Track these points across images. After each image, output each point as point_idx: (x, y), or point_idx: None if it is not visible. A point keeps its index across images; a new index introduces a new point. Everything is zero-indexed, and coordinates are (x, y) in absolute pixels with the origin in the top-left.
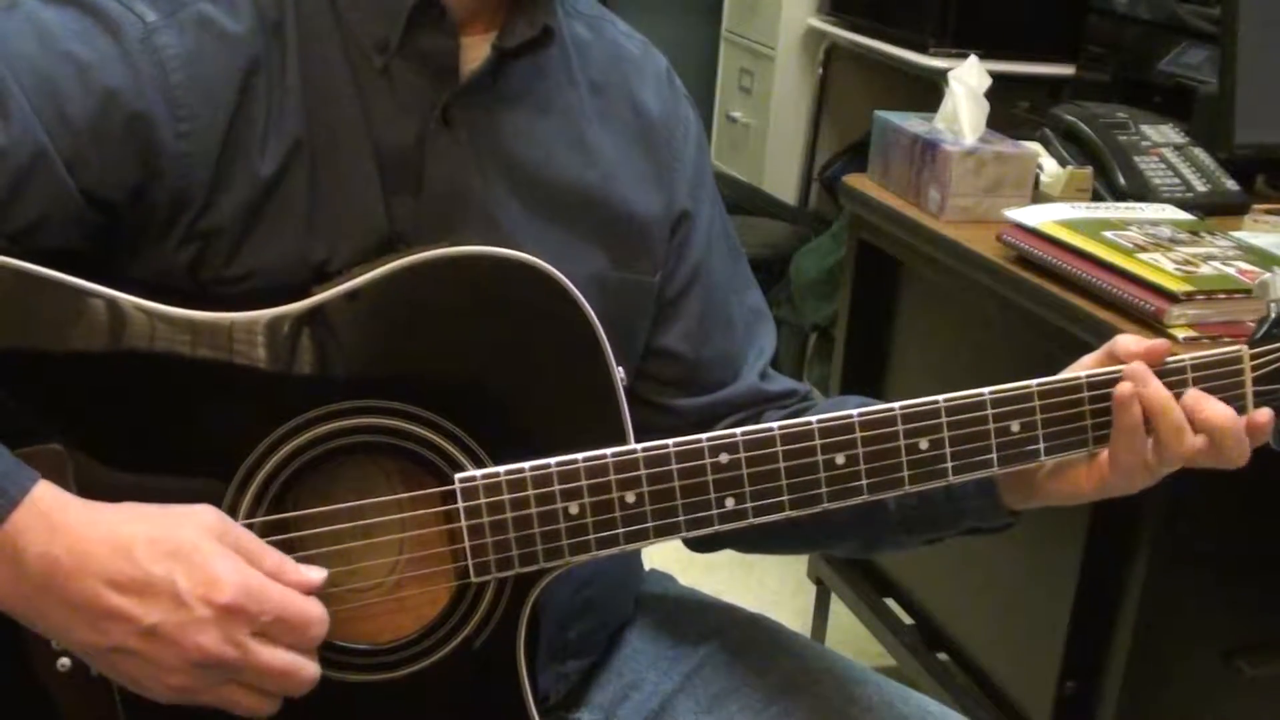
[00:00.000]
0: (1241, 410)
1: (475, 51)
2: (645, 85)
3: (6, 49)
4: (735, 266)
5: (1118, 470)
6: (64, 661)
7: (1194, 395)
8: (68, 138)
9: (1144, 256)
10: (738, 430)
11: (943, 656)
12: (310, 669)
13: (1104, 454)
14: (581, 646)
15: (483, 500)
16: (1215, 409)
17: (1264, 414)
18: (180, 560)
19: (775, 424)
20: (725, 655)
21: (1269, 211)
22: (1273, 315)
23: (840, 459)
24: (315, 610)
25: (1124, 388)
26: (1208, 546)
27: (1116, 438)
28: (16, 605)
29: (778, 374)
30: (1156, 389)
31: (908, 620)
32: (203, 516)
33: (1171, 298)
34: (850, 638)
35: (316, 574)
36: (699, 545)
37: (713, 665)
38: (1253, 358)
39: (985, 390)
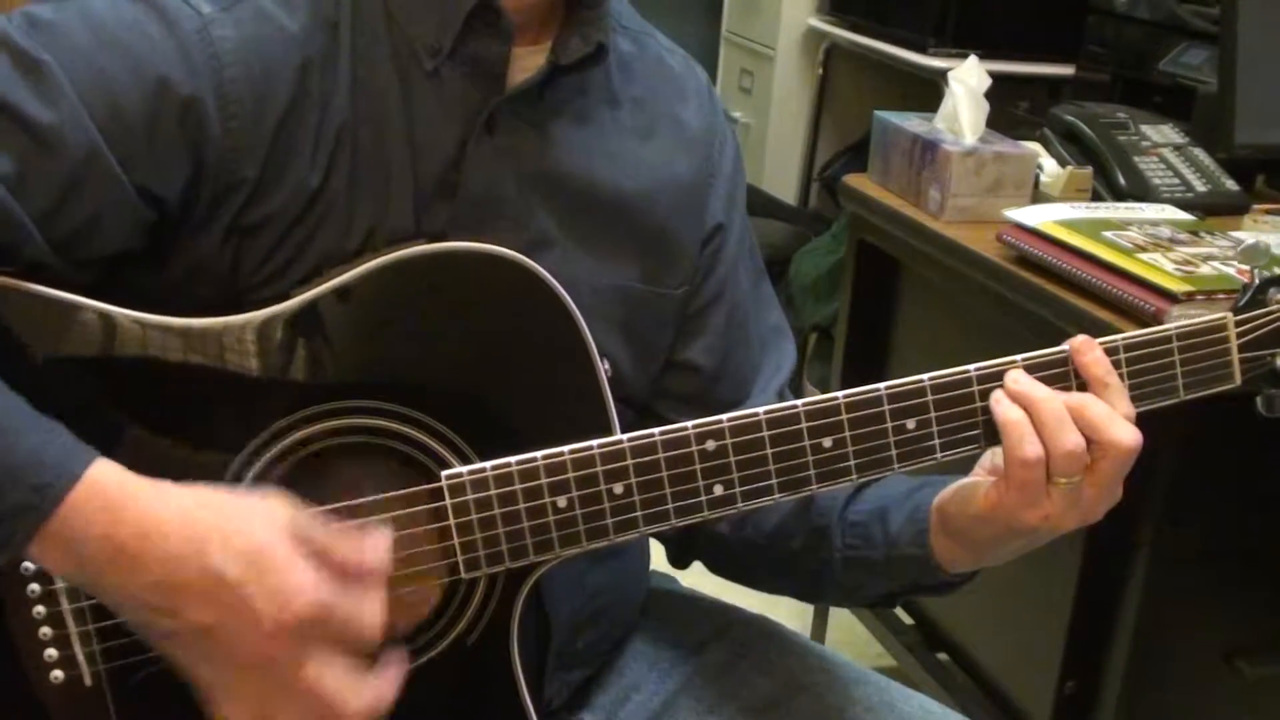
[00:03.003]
0: (1229, 378)
1: (523, 62)
2: (687, 101)
3: (58, 42)
4: (758, 285)
5: (1011, 486)
6: (57, 674)
7: (1078, 395)
8: (121, 132)
9: (1144, 256)
10: (723, 416)
11: (943, 656)
12: (355, 703)
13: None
14: (588, 655)
15: (470, 496)
16: (1097, 405)
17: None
18: (254, 566)
19: (761, 409)
20: (726, 656)
21: (1269, 211)
22: (1257, 281)
23: (828, 442)
24: (372, 625)
25: (996, 393)
26: (1208, 546)
27: (1002, 442)
28: (77, 581)
29: (791, 395)
30: (1032, 385)
31: (908, 620)
32: (277, 512)
33: (1171, 298)
34: (850, 638)
35: (384, 552)
36: (677, 561)
37: (714, 666)
38: (1237, 324)
39: (971, 367)
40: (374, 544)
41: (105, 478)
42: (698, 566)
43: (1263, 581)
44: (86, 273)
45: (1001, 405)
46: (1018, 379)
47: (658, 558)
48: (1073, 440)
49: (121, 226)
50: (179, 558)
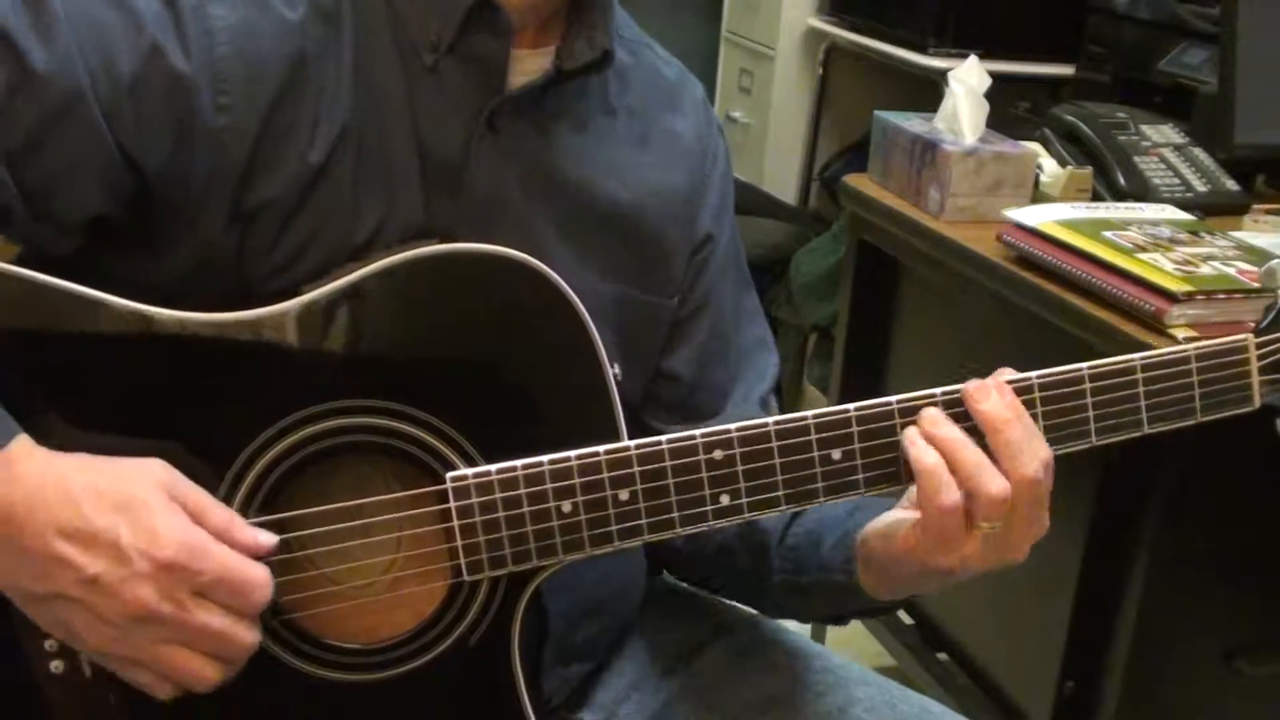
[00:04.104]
0: (1248, 400)
1: (526, 64)
2: (681, 112)
3: None
4: (742, 296)
5: (928, 532)
6: (56, 664)
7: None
8: (110, 83)
9: (1144, 256)
10: (732, 425)
11: (943, 656)
12: (247, 635)
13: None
14: (587, 650)
15: (475, 499)
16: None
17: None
18: (125, 514)
19: (770, 419)
20: (726, 656)
21: (1269, 211)
22: None
23: (837, 454)
24: (258, 574)
25: (910, 432)
26: (1208, 546)
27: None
28: None
29: (775, 403)
30: (950, 427)
31: (908, 620)
32: (152, 470)
33: (1171, 298)
34: (850, 638)
35: (266, 538)
36: (650, 569)
37: (714, 666)
38: (1258, 346)
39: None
40: (254, 531)
41: (14, 450)
42: None
43: (1263, 581)
44: (65, 241)
45: (916, 448)
46: (935, 420)
47: None
48: (997, 485)
49: (97, 184)
50: (58, 521)
